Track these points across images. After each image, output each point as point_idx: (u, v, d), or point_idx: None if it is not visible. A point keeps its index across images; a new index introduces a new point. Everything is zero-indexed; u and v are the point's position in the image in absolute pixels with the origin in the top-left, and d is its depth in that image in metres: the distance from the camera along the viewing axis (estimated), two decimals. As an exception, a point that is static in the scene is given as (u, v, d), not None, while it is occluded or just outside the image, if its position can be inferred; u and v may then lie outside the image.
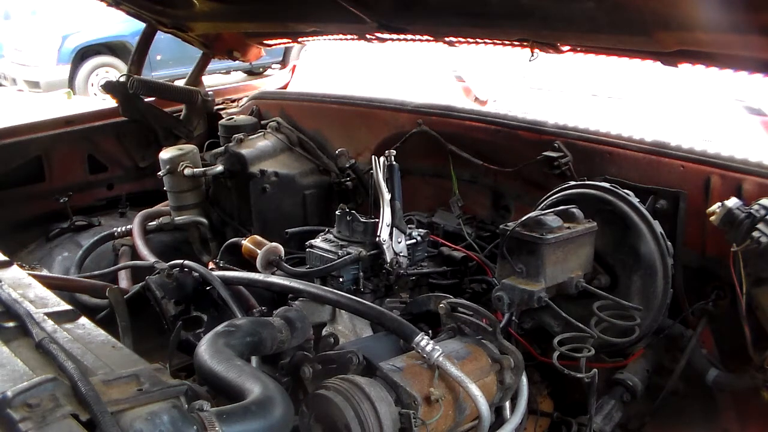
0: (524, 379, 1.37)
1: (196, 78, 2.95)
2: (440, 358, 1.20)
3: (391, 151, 1.79)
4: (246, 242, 1.91)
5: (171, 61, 8.14)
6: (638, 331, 1.49)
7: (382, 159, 1.76)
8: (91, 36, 8.78)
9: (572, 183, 1.71)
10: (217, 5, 2.39)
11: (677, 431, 1.73)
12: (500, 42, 1.90)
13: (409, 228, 1.86)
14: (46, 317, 1.16)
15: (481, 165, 2.04)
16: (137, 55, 2.91)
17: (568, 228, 1.50)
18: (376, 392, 1.13)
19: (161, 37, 2.89)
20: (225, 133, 2.59)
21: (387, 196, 1.74)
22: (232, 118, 2.72)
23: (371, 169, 1.77)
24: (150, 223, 2.47)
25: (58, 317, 1.19)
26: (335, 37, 2.47)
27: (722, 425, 1.66)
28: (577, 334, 1.42)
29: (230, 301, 1.58)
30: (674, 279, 1.57)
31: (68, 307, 1.26)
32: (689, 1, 1.31)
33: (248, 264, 1.91)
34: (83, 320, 1.22)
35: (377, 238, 1.72)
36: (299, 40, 2.83)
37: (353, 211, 1.81)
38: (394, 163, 1.79)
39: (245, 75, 9.38)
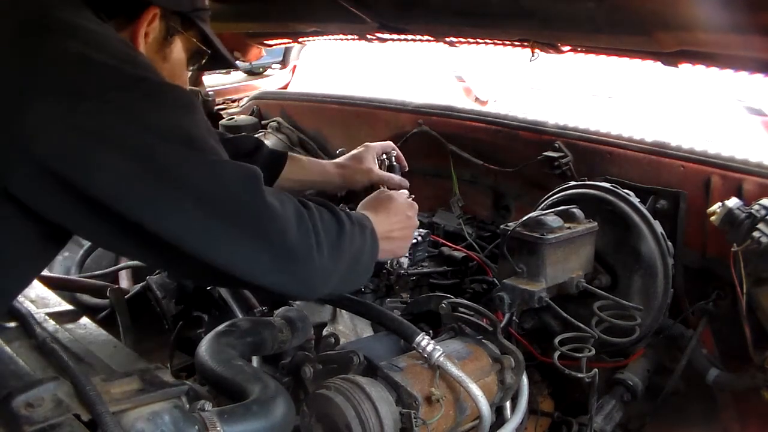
0: (525, 379, 1.37)
1: (196, 78, 2.95)
2: (441, 358, 1.20)
3: (392, 151, 1.79)
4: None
5: (171, 61, 8.13)
6: (639, 331, 1.49)
7: (383, 158, 1.76)
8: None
9: (573, 183, 1.71)
10: (217, 5, 2.38)
11: (677, 431, 1.73)
12: (501, 42, 1.89)
13: (410, 228, 1.85)
14: (47, 317, 1.17)
15: (481, 165, 2.04)
16: (138, 55, 2.91)
17: (569, 228, 1.50)
18: (377, 392, 1.13)
19: (161, 37, 2.89)
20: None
21: (387, 196, 1.74)
22: (233, 118, 2.71)
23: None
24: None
25: (59, 317, 1.20)
26: (335, 37, 2.46)
27: (722, 425, 1.66)
28: (577, 334, 1.42)
29: (231, 300, 1.58)
30: (675, 279, 1.56)
31: (69, 307, 1.27)
32: (689, 1, 1.31)
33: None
34: (84, 320, 1.22)
35: (378, 238, 1.71)
36: (299, 40, 2.82)
37: (354, 212, 1.81)
38: (395, 163, 1.79)
39: (245, 75, 9.36)
